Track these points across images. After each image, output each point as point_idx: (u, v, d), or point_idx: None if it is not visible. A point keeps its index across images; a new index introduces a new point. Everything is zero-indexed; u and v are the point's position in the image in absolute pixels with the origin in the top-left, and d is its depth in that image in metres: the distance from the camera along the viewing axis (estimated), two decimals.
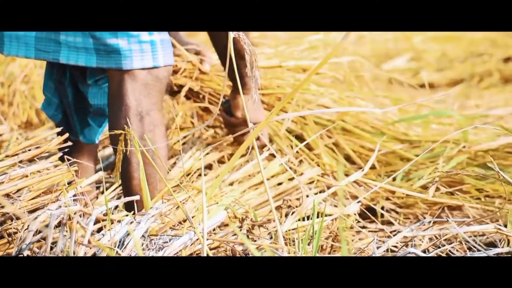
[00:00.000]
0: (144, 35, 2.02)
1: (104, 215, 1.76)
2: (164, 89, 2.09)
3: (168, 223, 1.78)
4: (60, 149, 1.98)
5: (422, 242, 1.98)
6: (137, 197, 1.86)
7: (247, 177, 2.30)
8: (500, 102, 3.79)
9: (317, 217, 1.93)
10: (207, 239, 1.79)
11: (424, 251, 1.88)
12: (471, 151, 2.45)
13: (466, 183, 2.38)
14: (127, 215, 1.79)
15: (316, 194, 2.19)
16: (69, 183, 1.85)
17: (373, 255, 1.70)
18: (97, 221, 1.75)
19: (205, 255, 1.59)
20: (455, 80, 4.71)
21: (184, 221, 1.85)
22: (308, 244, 1.84)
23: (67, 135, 2.00)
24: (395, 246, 1.98)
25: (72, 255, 1.53)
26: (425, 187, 2.37)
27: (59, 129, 2.14)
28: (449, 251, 1.87)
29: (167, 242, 1.70)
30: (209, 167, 2.42)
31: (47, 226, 1.58)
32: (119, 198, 2.20)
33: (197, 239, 1.74)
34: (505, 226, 2.02)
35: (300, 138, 2.51)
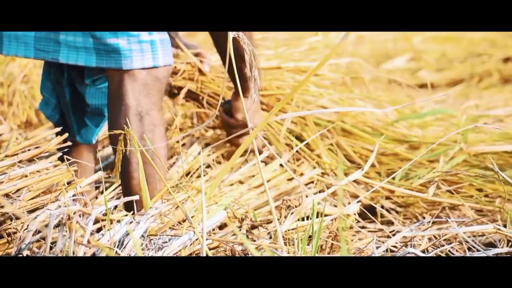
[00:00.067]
0: (144, 35, 2.02)
1: (103, 215, 1.76)
2: (163, 89, 2.09)
3: (168, 223, 1.78)
4: (59, 149, 1.98)
5: (422, 242, 1.98)
6: (136, 197, 1.86)
7: (247, 178, 2.30)
8: (500, 102, 3.79)
9: (317, 217, 1.93)
10: (207, 239, 1.79)
11: (423, 251, 1.88)
12: (471, 152, 2.46)
13: (464, 182, 2.39)
14: (126, 215, 1.79)
15: (315, 194, 2.19)
16: (69, 183, 1.85)
17: (373, 255, 1.70)
18: (96, 221, 1.75)
19: (204, 255, 1.59)
20: (455, 80, 4.71)
21: (184, 221, 1.85)
22: (308, 244, 1.84)
23: (66, 135, 2.00)
24: (395, 246, 1.98)
25: (71, 255, 1.53)
26: (424, 186, 2.38)
27: (58, 129, 2.14)
28: (449, 251, 1.87)
29: (166, 242, 1.70)
30: (208, 167, 2.42)
31: (46, 226, 1.58)
32: (118, 198, 2.20)
33: (197, 239, 1.74)
34: (505, 226, 2.02)
35: (300, 139, 2.51)
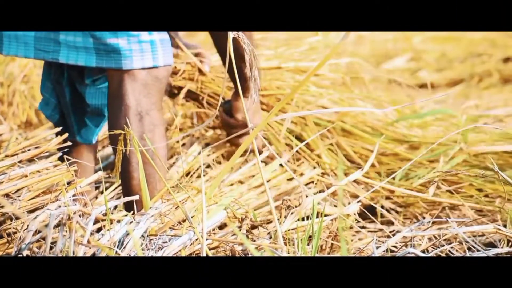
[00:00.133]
0: (144, 35, 2.02)
1: (103, 215, 1.76)
2: (163, 89, 2.09)
3: (168, 223, 1.78)
4: (59, 149, 1.98)
5: (422, 242, 1.98)
6: (136, 197, 1.86)
7: (247, 178, 2.30)
8: (500, 102, 3.79)
9: (317, 217, 1.93)
10: (207, 239, 1.79)
11: (423, 251, 1.88)
12: (471, 152, 2.46)
13: (464, 182, 2.39)
14: (126, 215, 1.79)
15: (315, 194, 2.19)
16: (69, 183, 1.85)
17: (373, 255, 1.70)
18: (96, 221, 1.75)
19: (204, 255, 1.59)
20: (455, 80, 4.71)
21: (184, 221, 1.85)
22: (308, 244, 1.84)
23: (66, 135, 2.00)
24: (395, 246, 1.98)
25: (71, 255, 1.53)
26: (424, 186, 2.38)
27: (58, 129, 2.14)
28: (449, 251, 1.87)
29: (166, 242, 1.70)
30: (208, 167, 2.42)
31: (46, 226, 1.58)
32: (118, 198, 2.20)
33: (197, 239, 1.74)
34: (505, 226, 2.02)
35: (300, 139, 2.51)
